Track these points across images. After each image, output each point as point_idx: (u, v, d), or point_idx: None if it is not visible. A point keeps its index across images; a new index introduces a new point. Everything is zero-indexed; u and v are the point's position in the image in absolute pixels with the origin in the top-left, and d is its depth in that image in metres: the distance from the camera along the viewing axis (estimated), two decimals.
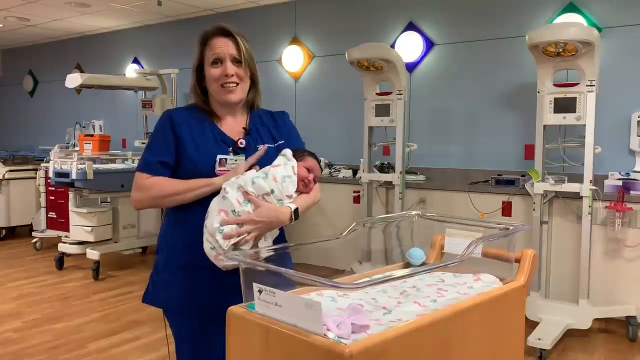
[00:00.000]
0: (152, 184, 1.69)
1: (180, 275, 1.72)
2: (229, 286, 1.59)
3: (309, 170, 1.73)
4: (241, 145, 1.75)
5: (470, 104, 4.64)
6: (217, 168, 1.69)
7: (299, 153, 1.76)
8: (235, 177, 1.65)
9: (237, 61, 1.72)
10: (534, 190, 3.68)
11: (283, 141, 1.81)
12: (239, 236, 1.57)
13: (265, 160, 1.72)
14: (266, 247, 1.63)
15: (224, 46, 1.71)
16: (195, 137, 1.72)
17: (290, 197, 1.66)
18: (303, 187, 1.72)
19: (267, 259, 1.42)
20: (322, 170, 1.83)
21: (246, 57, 1.74)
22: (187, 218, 1.69)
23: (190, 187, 1.67)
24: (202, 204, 1.65)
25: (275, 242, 1.70)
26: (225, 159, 1.70)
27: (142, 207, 1.75)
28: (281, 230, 1.77)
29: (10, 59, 8.94)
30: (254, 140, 1.77)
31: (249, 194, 1.60)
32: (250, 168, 1.70)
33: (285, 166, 1.68)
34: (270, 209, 1.60)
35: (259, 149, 1.75)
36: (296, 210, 1.65)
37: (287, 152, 1.73)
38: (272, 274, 1.23)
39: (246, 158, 1.73)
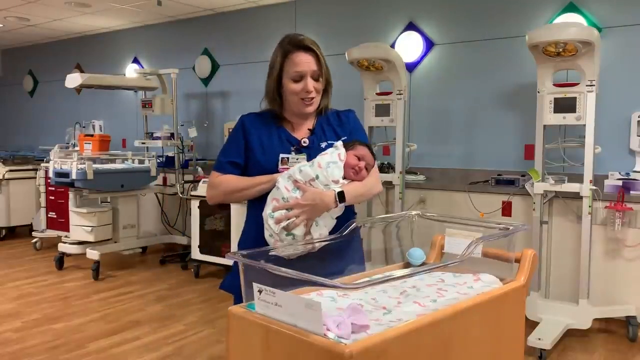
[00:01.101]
0: (221, 182, 1.85)
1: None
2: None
3: (359, 159, 1.77)
4: (304, 144, 1.84)
5: (470, 104, 4.64)
6: (280, 166, 1.80)
7: (352, 143, 1.81)
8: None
9: (317, 77, 1.83)
10: (534, 190, 3.68)
11: (345, 137, 1.87)
12: (288, 219, 1.67)
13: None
14: (320, 235, 1.69)
15: (305, 63, 1.82)
16: (262, 140, 1.86)
17: (336, 182, 1.72)
18: (354, 174, 1.76)
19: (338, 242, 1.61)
20: (375, 161, 1.86)
21: (326, 72, 1.86)
22: (254, 213, 1.82)
23: (253, 183, 1.80)
24: (266, 200, 1.76)
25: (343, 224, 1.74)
26: (287, 158, 1.82)
27: (214, 202, 1.90)
28: (349, 217, 1.81)
29: (10, 59, 8.93)
30: (318, 139, 1.86)
31: (297, 182, 1.70)
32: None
33: (332, 154, 1.75)
34: (315, 193, 1.68)
35: (322, 146, 1.84)
36: (341, 193, 1.70)
37: (339, 143, 1.80)
38: (272, 274, 1.23)
39: (310, 157, 1.80)
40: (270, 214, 1.70)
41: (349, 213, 1.83)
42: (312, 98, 1.84)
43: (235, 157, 1.87)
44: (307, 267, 1.71)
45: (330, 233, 1.73)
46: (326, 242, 1.69)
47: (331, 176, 1.71)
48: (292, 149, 1.84)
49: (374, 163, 1.85)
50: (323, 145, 1.84)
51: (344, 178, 1.75)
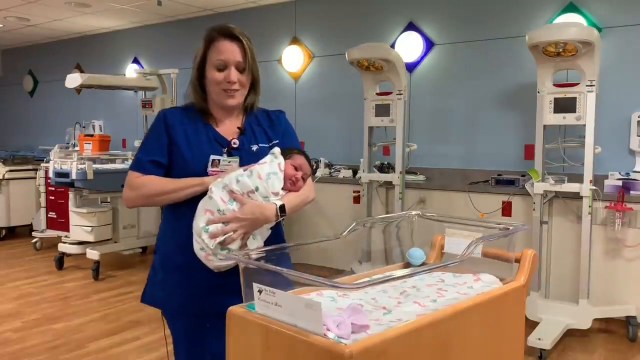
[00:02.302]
0: (143, 183, 1.68)
1: (175, 275, 1.72)
2: (223, 287, 1.62)
3: (296, 169, 1.70)
4: (234, 146, 1.73)
5: (470, 104, 4.64)
6: (210, 168, 1.68)
7: (289, 151, 1.74)
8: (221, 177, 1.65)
9: (241, 68, 1.71)
10: (534, 190, 3.68)
11: (277, 140, 1.79)
12: (225, 234, 1.56)
13: (258, 160, 1.71)
14: (257, 247, 1.60)
15: (229, 51, 1.69)
16: (189, 137, 1.71)
17: (276, 194, 1.64)
18: (291, 185, 1.69)
19: (265, 260, 1.40)
20: (313, 170, 1.77)
21: (250, 63, 1.72)
22: (180, 218, 1.68)
23: (180, 186, 1.66)
24: (195, 204, 1.64)
25: (272, 242, 1.67)
26: (219, 160, 1.69)
27: (133, 205, 1.74)
28: (278, 230, 1.76)
29: (10, 59, 8.94)
30: (248, 140, 1.75)
31: (234, 192, 1.60)
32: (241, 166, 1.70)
33: (272, 163, 1.67)
34: (254, 206, 1.59)
35: (253, 149, 1.74)
36: (282, 206, 1.62)
37: (276, 150, 1.72)
38: (272, 273, 1.23)
39: (241, 159, 1.71)
40: (204, 227, 1.57)
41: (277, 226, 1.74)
42: (236, 90, 1.71)
43: (157, 156, 1.70)
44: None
45: (271, 243, 1.62)
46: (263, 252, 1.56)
47: (272, 188, 1.63)
48: (224, 150, 1.71)
49: (310, 172, 1.77)
50: (254, 148, 1.74)
51: (283, 189, 1.68)
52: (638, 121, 3.85)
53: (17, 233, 6.94)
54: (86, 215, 5.18)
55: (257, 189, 1.61)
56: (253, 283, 1.19)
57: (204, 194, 1.64)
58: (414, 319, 1.17)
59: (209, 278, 1.64)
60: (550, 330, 3.40)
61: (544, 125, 3.63)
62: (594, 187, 3.50)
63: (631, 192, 3.67)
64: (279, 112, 1.89)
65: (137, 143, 5.98)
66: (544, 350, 3.24)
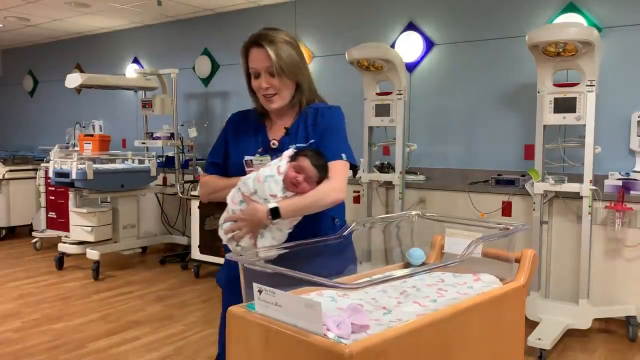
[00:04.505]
0: (203, 182, 1.91)
1: (225, 262, 1.89)
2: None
3: (297, 171, 1.69)
4: (273, 146, 1.81)
5: (470, 104, 4.64)
6: (246, 169, 1.79)
7: (298, 153, 1.73)
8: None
9: (271, 73, 1.76)
10: (534, 190, 3.68)
11: (313, 140, 1.80)
12: (232, 232, 1.69)
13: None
14: (266, 246, 1.65)
15: (258, 59, 1.76)
16: (240, 140, 1.86)
17: (274, 196, 1.66)
18: (292, 187, 1.68)
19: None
20: (322, 171, 1.72)
21: (278, 68, 1.74)
22: None
23: (224, 186, 1.80)
24: None
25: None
26: (251, 160, 1.80)
27: (203, 201, 1.92)
28: (336, 225, 1.81)
29: (10, 59, 8.93)
30: (290, 141, 1.80)
31: (243, 194, 1.69)
32: None
33: (273, 166, 1.70)
34: (251, 208, 1.66)
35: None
36: (274, 209, 1.63)
37: (287, 152, 1.73)
38: (272, 273, 1.23)
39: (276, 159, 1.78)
40: (222, 224, 1.74)
41: (326, 223, 1.80)
42: (272, 95, 1.78)
43: (217, 157, 1.90)
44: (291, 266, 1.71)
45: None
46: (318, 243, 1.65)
47: (268, 190, 1.66)
48: (259, 150, 1.82)
49: (318, 174, 1.71)
50: (291, 147, 1.78)
51: (289, 190, 1.69)
52: (638, 121, 3.85)
53: (17, 233, 6.94)
54: (86, 215, 5.18)
55: (255, 191, 1.67)
56: (253, 283, 1.19)
57: None
58: (414, 319, 1.17)
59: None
60: (550, 330, 3.40)
61: (544, 125, 3.63)
62: (594, 187, 3.50)
63: (631, 192, 3.67)
64: (327, 109, 1.87)
65: (137, 143, 5.98)
66: (544, 350, 3.24)
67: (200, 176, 1.94)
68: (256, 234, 1.67)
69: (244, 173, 1.78)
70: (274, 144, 1.82)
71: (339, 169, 1.76)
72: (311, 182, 1.70)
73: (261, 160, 1.78)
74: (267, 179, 1.67)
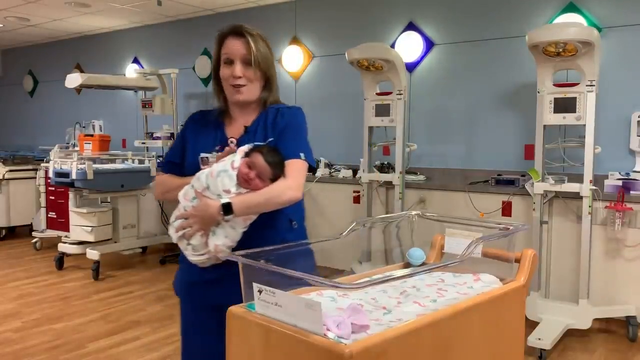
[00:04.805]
0: (159, 181, 1.87)
1: (181, 265, 1.86)
2: (212, 281, 1.72)
3: (249, 167, 1.64)
4: (231, 144, 1.77)
5: (470, 104, 4.64)
6: (201, 166, 1.74)
7: (254, 149, 1.68)
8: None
9: (247, 62, 1.74)
10: (534, 190, 3.68)
11: (272, 138, 1.75)
12: (183, 229, 1.65)
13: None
14: (222, 245, 1.62)
15: (235, 47, 1.74)
16: (198, 139, 1.81)
17: (227, 192, 1.62)
18: (244, 183, 1.64)
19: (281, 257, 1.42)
20: (276, 168, 1.68)
21: (257, 58, 1.74)
22: None
23: (179, 184, 1.74)
24: None
25: (292, 239, 1.71)
26: (207, 158, 1.75)
27: (158, 199, 1.95)
28: (296, 227, 1.79)
29: (10, 59, 8.93)
30: (248, 139, 1.74)
31: (196, 190, 1.66)
32: None
33: (227, 161, 1.66)
34: (203, 204, 1.62)
35: None
36: (227, 205, 1.58)
37: (242, 148, 1.69)
38: (272, 273, 1.23)
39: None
40: (172, 222, 1.71)
41: (283, 223, 1.76)
42: (242, 85, 1.74)
43: (173, 157, 1.87)
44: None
45: (269, 239, 1.60)
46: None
47: (221, 186, 1.62)
48: (217, 148, 1.77)
49: (271, 171, 1.66)
50: (247, 148, 1.72)
51: (241, 187, 1.65)
52: (638, 121, 3.85)
53: (17, 233, 6.94)
54: (86, 215, 5.18)
55: (208, 186, 1.64)
56: (253, 283, 1.19)
57: None
58: (414, 319, 1.17)
59: (196, 272, 1.73)
60: (550, 330, 3.40)
61: (544, 125, 3.63)
62: (594, 187, 3.50)
63: (631, 192, 3.67)
64: (287, 109, 1.83)
65: (137, 143, 5.98)
66: (544, 350, 3.24)
67: (157, 174, 1.92)
68: (207, 231, 1.62)
69: (197, 172, 1.72)
70: (231, 141, 1.76)
71: (296, 167, 1.71)
72: (264, 179, 1.66)
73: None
74: (220, 173, 1.63)
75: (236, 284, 1.31)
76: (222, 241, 1.62)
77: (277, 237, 1.70)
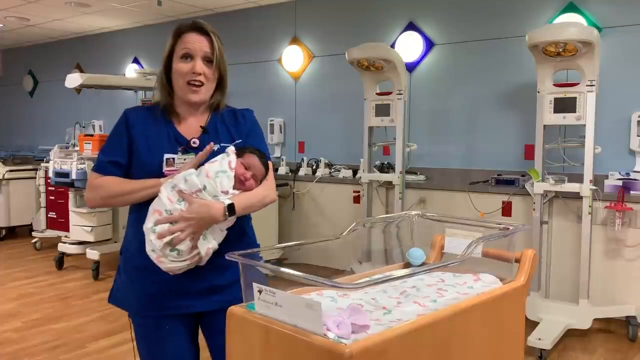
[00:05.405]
0: (101, 184, 1.67)
1: (136, 276, 1.71)
2: (179, 289, 1.65)
3: (246, 168, 1.66)
4: (194, 145, 1.70)
5: (470, 104, 4.64)
6: (165, 168, 1.66)
7: (243, 150, 1.69)
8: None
9: (208, 60, 1.69)
10: (534, 190, 3.68)
11: (240, 140, 1.74)
12: (172, 234, 1.54)
13: (210, 160, 1.67)
14: (209, 250, 1.58)
15: (197, 42, 1.67)
16: (148, 137, 1.69)
17: (226, 193, 1.60)
18: (240, 184, 1.64)
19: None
20: (267, 170, 1.74)
21: (218, 57, 1.70)
22: (140, 219, 1.65)
23: (137, 188, 1.64)
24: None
25: (240, 244, 1.67)
26: (173, 159, 1.67)
27: (94, 206, 1.73)
28: (245, 231, 1.76)
29: (10, 59, 8.94)
30: (210, 139, 1.70)
31: (182, 192, 1.57)
32: (198, 167, 1.65)
33: (222, 161, 1.63)
34: (201, 205, 1.55)
35: (214, 149, 1.69)
36: (230, 205, 1.57)
37: (230, 149, 1.68)
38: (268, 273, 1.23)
39: None
40: (152, 227, 1.56)
41: (242, 227, 1.73)
42: (201, 84, 1.68)
43: (117, 157, 1.68)
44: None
45: (223, 247, 1.59)
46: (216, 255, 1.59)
47: (220, 187, 1.58)
48: (180, 149, 1.68)
49: (264, 172, 1.71)
50: (215, 147, 1.68)
51: (234, 188, 1.63)
52: (638, 121, 3.85)
53: (17, 233, 6.94)
54: (86, 215, 5.18)
55: (204, 187, 1.57)
56: (253, 283, 1.19)
57: None
58: (414, 319, 1.17)
59: (166, 280, 1.63)
60: (550, 330, 3.40)
61: (544, 125, 3.63)
62: (594, 187, 3.50)
63: (631, 192, 3.67)
64: (246, 111, 1.85)
65: None
66: (544, 350, 3.24)
67: (93, 176, 1.68)
68: (198, 235, 1.57)
69: (159, 173, 1.65)
70: (194, 142, 1.70)
71: (271, 169, 1.78)
72: (257, 180, 1.68)
73: (184, 159, 1.67)
74: (218, 174, 1.60)
75: (208, 289, 1.40)
76: (212, 244, 1.59)
77: (241, 232, 1.72)
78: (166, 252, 1.55)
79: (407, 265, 1.65)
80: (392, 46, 4.90)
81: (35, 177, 6.36)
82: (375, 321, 1.15)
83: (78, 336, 3.64)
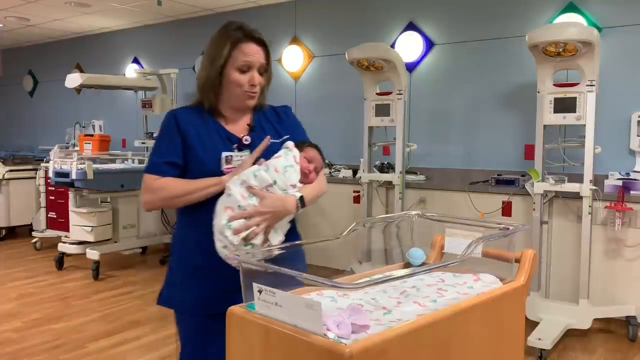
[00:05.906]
0: (162, 186, 1.68)
1: (194, 275, 1.73)
2: (236, 287, 1.61)
3: (309, 161, 1.74)
4: (246, 142, 1.75)
5: (470, 104, 4.64)
6: (224, 166, 1.70)
7: (301, 144, 1.77)
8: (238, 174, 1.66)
9: (263, 70, 1.77)
10: (534, 190, 3.68)
11: (288, 135, 1.81)
12: (248, 229, 1.56)
13: (271, 155, 1.72)
14: (280, 242, 1.63)
15: (256, 54, 1.73)
16: (201, 136, 1.72)
17: (294, 186, 1.67)
18: (303, 177, 1.71)
19: (280, 258, 1.43)
20: (324, 162, 1.82)
21: (270, 68, 1.79)
22: (198, 218, 1.67)
23: (199, 187, 1.67)
24: (212, 203, 1.64)
25: (288, 237, 1.69)
26: (231, 157, 1.71)
27: (153, 208, 1.76)
28: (293, 224, 1.77)
29: (10, 59, 8.94)
30: (258, 136, 1.76)
31: (252, 188, 1.60)
32: (255, 162, 1.69)
33: (287, 156, 1.69)
34: (275, 199, 1.61)
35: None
36: (302, 198, 1.65)
37: (289, 143, 1.75)
38: (272, 273, 1.23)
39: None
40: (227, 224, 1.57)
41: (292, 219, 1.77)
42: (256, 93, 1.76)
43: (172, 157, 1.69)
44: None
45: (287, 238, 1.67)
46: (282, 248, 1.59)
47: (289, 180, 1.65)
48: (234, 147, 1.73)
49: (322, 164, 1.80)
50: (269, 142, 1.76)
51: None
52: (638, 121, 3.85)
53: (17, 233, 6.94)
54: (86, 215, 5.18)
55: (275, 182, 1.63)
56: (253, 283, 1.19)
57: (220, 193, 1.64)
58: (414, 319, 1.17)
59: (226, 278, 1.60)
60: (550, 330, 3.40)
61: (544, 125, 3.63)
62: (594, 187, 3.50)
63: (631, 192, 3.68)
64: (285, 107, 1.93)
65: (138, 143, 5.98)
66: (544, 350, 3.24)
67: (151, 179, 1.69)
68: (271, 228, 1.62)
69: (217, 171, 1.68)
70: (246, 140, 1.75)
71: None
72: (317, 172, 1.77)
73: (241, 156, 1.72)
74: (287, 169, 1.66)
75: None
76: (281, 237, 1.65)
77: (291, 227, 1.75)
78: (240, 247, 1.57)
79: (407, 265, 1.65)
80: (392, 46, 4.90)
81: (35, 177, 6.37)
82: (375, 321, 1.15)
83: (78, 336, 3.64)
